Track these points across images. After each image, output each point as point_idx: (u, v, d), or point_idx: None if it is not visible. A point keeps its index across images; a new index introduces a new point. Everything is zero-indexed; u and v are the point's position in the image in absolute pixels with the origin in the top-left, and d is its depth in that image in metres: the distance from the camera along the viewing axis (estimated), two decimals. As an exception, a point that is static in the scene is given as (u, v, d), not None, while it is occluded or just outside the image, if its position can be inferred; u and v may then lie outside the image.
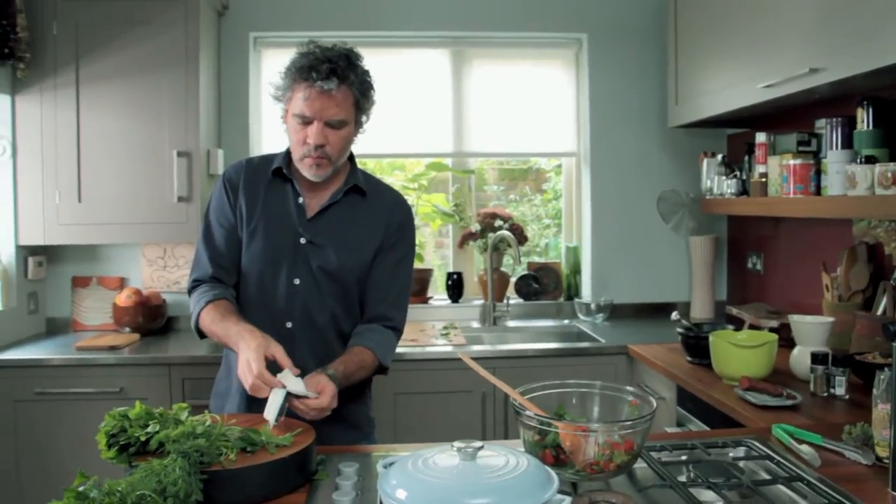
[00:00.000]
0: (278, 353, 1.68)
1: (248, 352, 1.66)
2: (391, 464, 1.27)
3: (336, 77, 1.81)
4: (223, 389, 2.03)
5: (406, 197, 2.17)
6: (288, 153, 1.98)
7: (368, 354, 1.89)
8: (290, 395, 1.62)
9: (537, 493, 1.14)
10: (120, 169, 3.24)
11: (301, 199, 1.95)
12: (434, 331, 3.43)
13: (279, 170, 1.97)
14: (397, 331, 2.02)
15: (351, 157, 2.03)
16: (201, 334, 1.93)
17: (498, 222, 3.78)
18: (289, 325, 1.92)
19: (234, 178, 1.99)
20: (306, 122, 1.85)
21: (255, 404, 1.89)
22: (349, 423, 1.98)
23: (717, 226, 3.83)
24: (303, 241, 1.93)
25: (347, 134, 1.90)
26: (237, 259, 1.97)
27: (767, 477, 1.50)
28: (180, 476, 1.22)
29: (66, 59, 3.20)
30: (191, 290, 1.98)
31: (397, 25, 3.68)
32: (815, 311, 2.71)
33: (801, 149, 2.63)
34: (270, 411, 1.59)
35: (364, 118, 1.95)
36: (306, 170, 1.90)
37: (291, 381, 1.63)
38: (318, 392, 1.66)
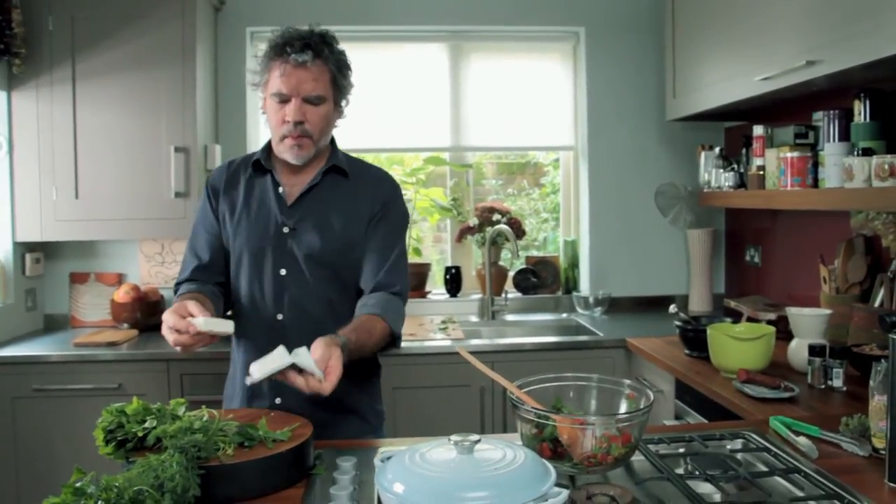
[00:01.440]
0: (190, 304, 1.66)
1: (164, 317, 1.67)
2: (388, 458, 1.27)
3: (310, 50, 1.82)
4: (230, 392, 2.03)
5: (404, 191, 2.15)
6: (268, 145, 1.97)
7: (379, 322, 1.81)
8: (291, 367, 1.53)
9: (535, 487, 1.14)
10: (117, 165, 3.23)
11: (280, 188, 1.94)
12: (432, 325, 3.43)
13: (258, 162, 1.96)
14: (402, 296, 1.94)
15: (332, 143, 2.01)
16: None
17: (496, 216, 3.78)
18: (279, 317, 1.91)
19: (215, 183, 2.01)
20: (284, 100, 1.84)
21: (254, 404, 1.91)
22: (358, 416, 1.97)
23: (715, 219, 3.83)
24: (285, 229, 1.91)
25: (326, 112, 1.89)
26: (221, 263, 1.98)
27: (765, 469, 1.51)
28: (178, 471, 1.22)
29: (63, 54, 3.19)
30: (174, 292, 1.98)
31: (394, 19, 3.67)
32: (813, 304, 2.71)
33: (798, 141, 2.63)
34: (263, 369, 1.52)
35: (343, 101, 1.94)
36: (287, 152, 1.88)
37: (302, 355, 1.52)
38: (325, 372, 1.54)
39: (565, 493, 1.16)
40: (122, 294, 3.37)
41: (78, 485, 1.20)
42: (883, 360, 1.53)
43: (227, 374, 2.08)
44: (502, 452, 1.21)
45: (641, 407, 1.41)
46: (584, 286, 3.85)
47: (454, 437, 1.22)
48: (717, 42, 2.97)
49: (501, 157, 4.14)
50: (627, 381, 1.55)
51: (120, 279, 3.59)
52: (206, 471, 1.28)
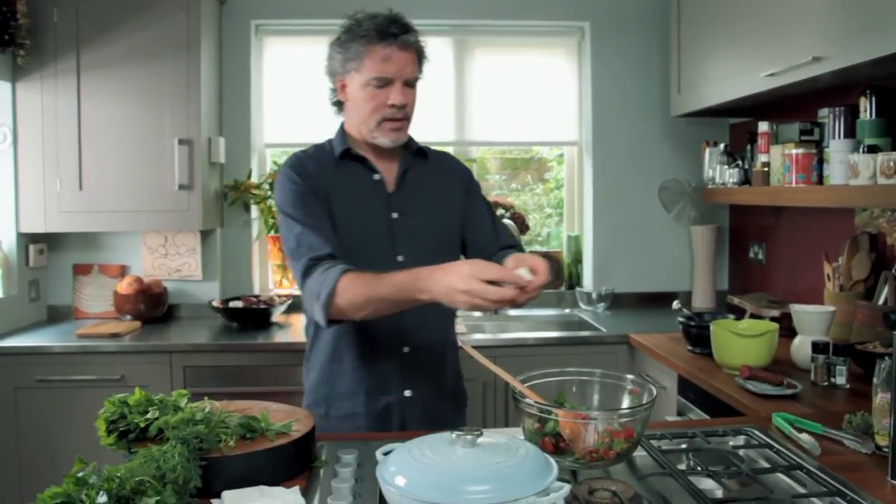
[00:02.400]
0: (495, 270, 1.51)
1: (465, 269, 1.50)
2: (390, 451, 1.27)
3: (413, 32, 1.84)
4: (326, 394, 1.92)
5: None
6: (341, 135, 1.92)
7: None
8: None
9: (536, 481, 1.14)
10: (121, 157, 3.23)
11: (377, 175, 1.89)
12: (435, 319, 3.42)
13: (347, 151, 1.89)
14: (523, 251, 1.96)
15: None
16: (330, 318, 1.68)
17: (500, 211, 3.77)
18: None
19: (300, 166, 1.86)
20: (385, 84, 1.81)
21: (374, 418, 1.88)
22: (447, 394, 1.98)
23: (719, 215, 3.82)
24: (394, 216, 1.87)
25: (416, 93, 1.90)
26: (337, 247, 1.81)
27: (767, 465, 1.50)
28: (179, 462, 1.22)
29: (67, 46, 3.19)
30: (307, 271, 1.72)
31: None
32: (817, 301, 2.70)
33: (803, 138, 2.62)
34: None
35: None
36: (385, 135, 1.84)
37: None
38: (533, 270, 1.55)
39: (567, 487, 1.16)
40: (125, 286, 3.37)
41: (80, 475, 1.20)
42: (887, 358, 1.53)
43: (309, 378, 1.97)
44: (504, 446, 1.21)
45: (644, 402, 1.41)
46: (588, 281, 3.84)
47: (456, 431, 1.21)
48: (722, 38, 2.95)
49: (505, 151, 4.13)
50: (630, 377, 1.55)
51: (123, 271, 3.59)
52: (207, 462, 1.28)
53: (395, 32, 1.79)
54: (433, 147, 2.09)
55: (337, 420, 1.88)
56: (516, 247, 1.99)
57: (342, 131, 1.94)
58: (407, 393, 1.88)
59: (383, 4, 3.70)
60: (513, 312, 3.67)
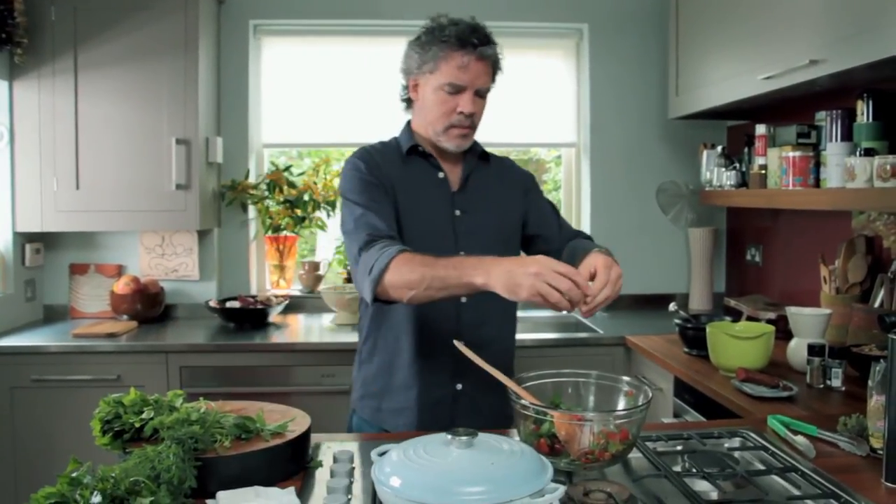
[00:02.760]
0: (563, 266, 1.52)
1: (540, 257, 1.53)
2: (385, 452, 1.27)
3: (492, 45, 1.86)
4: (381, 387, 1.94)
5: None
6: (408, 132, 1.96)
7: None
8: None
9: (532, 482, 1.14)
10: (118, 156, 3.23)
11: (442, 174, 1.93)
12: (432, 320, 3.42)
13: (415, 148, 1.93)
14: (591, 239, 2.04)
15: None
16: (377, 297, 1.67)
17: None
18: (463, 299, 1.85)
19: (368, 158, 1.90)
20: (457, 90, 1.84)
21: (427, 411, 1.88)
22: (497, 390, 1.92)
23: (717, 217, 3.82)
24: (458, 213, 1.91)
25: (485, 104, 1.92)
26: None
27: (762, 467, 1.51)
28: (174, 462, 1.22)
29: (65, 44, 3.19)
30: (365, 246, 1.71)
31: (398, 14, 3.65)
32: (813, 303, 2.70)
33: (800, 141, 2.62)
34: None
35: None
36: (450, 140, 1.88)
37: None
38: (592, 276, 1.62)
39: (562, 488, 1.16)
40: (121, 285, 3.37)
41: (74, 475, 1.20)
42: (882, 361, 1.53)
43: (363, 369, 1.98)
44: (499, 448, 1.21)
45: (639, 404, 1.41)
46: (585, 283, 3.83)
47: (451, 432, 1.21)
48: (720, 40, 2.96)
49: (503, 153, 4.13)
50: (626, 379, 1.55)
51: (120, 270, 3.59)
52: (202, 462, 1.28)
53: (474, 42, 1.82)
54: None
55: (389, 413, 1.90)
56: (581, 235, 2.05)
57: (409, 128, 1.98)
58: (458, 387, 1.90)
59: (377, 4, 3.73)
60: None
